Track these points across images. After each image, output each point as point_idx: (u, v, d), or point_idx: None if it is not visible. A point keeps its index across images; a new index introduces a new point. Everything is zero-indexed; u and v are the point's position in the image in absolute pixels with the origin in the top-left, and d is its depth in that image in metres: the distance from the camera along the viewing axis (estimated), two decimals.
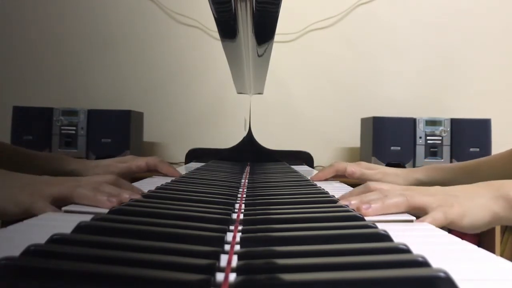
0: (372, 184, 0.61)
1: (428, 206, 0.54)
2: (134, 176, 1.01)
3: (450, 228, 0.53)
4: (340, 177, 0.99)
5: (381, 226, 0.39)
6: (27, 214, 0.52)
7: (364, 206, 0.53)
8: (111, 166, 0.98)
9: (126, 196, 0.55)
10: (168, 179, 0.76)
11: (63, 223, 0.43)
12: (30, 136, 1.83)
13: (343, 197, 0.60)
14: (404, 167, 1.82)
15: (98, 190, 0.55)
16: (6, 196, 0.53)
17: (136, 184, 0.80)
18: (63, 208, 0.51)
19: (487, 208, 0.54)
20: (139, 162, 0.99)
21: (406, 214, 0.54)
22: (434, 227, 0.48)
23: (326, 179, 0.97)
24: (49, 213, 0.48)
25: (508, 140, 1.93)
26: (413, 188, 0.59)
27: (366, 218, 0.49)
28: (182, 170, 1.04)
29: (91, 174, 0.95)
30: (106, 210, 0.46)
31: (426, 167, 0.98)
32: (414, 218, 0.52)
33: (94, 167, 0.97)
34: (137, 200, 0.51)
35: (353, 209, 0.51)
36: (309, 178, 0.94)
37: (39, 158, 0.99)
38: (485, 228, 0.55)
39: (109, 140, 1.85)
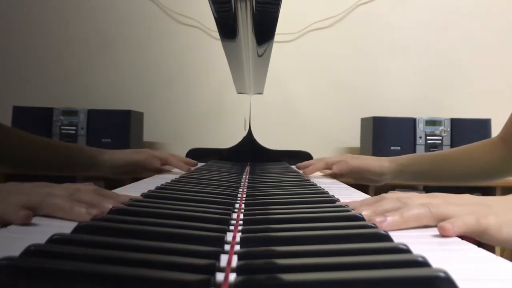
0: (388, 194, 0.52)
1: (454, 217, 0.44)
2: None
3: (483, 241, 0.45)
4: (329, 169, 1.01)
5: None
6: None
7: (378, 219, 0.44)
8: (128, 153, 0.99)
9: (107, 205, 0.47)
10: (168, 179, 0.76)
11: (63, 223, 0.43)
12: None
13: (354, 206, 0.52)
14: None
15: (75, 199, 0.47)
16: None
17: (136, 184, 0.80)
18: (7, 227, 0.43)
19: None
20: (155, 163, 1.00)
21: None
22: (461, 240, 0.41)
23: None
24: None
25: None
26: (438, 196, 0.50)
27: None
28: None
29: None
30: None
31: (408, 155, 1.01)
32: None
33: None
34: (137, 200, 0.51)
35: (353, 209, 0.50)
36: (300, 172, 0.97)
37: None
38: None
39: (109, 140, 1.85)
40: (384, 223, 0.44)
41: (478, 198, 0.50)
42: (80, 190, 0.49)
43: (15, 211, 0.42)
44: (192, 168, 1.00)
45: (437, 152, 1.06)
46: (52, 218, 0.45)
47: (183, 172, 0.97)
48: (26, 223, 0.42)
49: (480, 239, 0.44)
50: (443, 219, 0.44)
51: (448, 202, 0.47)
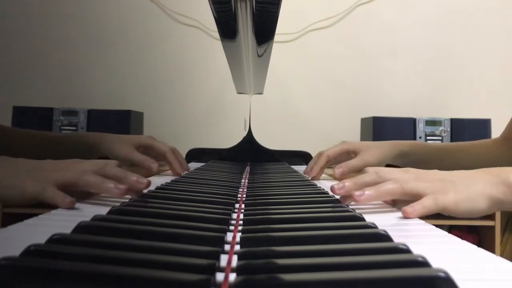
0: (371, 169, 0.60)
1: (422, 193, 0.52)
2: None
3: (446, 214, 0.52)
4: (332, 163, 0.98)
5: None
6: (34, 201, 0.50)
7: (357, 193, 0.52)
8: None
9: (133, 178, 0.54)
10: (168, 179, 0.76)
11: (63, 223, 0.43)
12: None
13: (341, 183, 0.57)
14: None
15: (103, 174, 0.53)
16: (11, 183, 0.50)
17: None
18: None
19: (485, 194, 0.53)
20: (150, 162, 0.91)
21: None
22: (425, 223, 0.47)
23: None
24: (50, 212, 0.48)
25: None
26: (411, 171, 0.57)
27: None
28: None
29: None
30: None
31: (412, 141, 1.00)
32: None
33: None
34: (137, 200, 0.51)
35: (347, 205, 0.50)
36: (303, 173, 0.94)
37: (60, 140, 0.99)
38: (486, 213, 0.54)
39: None
40: (362, 196, 0.51)
41: (444, 174, 0.57)
42: (106, 165, 0.55)
43: (61, 198, 0.49)
44: (183, 173, 0.94)
45: (440, 143, 1.06)
46: (52, 217, 0.45)
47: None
48: (71, 207, 0.49)
49: (443, 214, 0.52)
50: (412, 194, 0.52)
51: (418, 179, 0.54)
